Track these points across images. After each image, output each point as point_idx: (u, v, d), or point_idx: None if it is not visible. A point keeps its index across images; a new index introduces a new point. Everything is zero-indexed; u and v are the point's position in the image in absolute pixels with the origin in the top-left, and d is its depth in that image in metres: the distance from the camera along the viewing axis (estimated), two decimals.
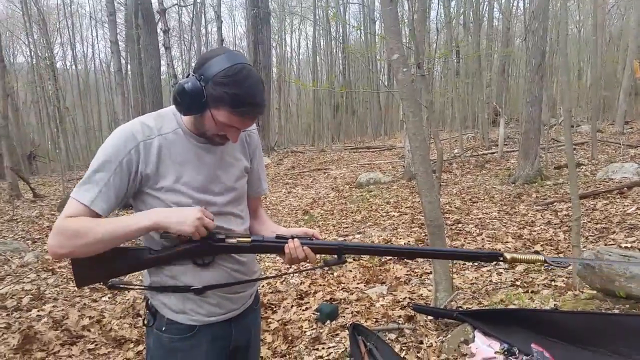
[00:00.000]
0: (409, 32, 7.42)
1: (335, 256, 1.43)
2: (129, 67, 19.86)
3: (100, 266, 1.35)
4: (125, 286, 1.49)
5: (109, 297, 4.92)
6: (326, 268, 4.72)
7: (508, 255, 1.34)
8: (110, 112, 25.85)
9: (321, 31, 26.38)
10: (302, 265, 1.47)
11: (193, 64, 1.42)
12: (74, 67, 27.46)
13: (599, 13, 15.31)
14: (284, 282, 4.88)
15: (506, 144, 13.20)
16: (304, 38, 36.79)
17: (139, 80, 15.67)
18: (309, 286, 4.66)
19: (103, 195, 1.29)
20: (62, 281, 5.54)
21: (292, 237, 1.40)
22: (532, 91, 8.57)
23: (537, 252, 4.96)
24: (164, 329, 1.43)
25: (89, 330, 3.97)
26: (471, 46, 16.58)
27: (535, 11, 8.60)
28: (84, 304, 4.73)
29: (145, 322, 1.48)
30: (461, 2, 16.51)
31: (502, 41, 20.28)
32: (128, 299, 4.75)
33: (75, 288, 5.19)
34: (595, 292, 3.29)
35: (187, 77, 1.30)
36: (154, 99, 14.86)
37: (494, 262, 4.76)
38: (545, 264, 1.26)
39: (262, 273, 5.15)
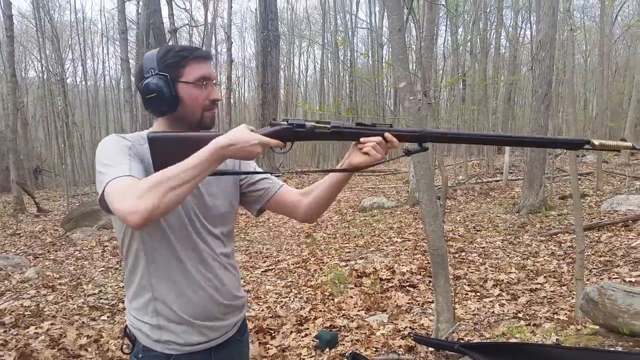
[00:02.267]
0: (416, 59, 7.48)
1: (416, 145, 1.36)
2: None
3: None
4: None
5: (107, 317, 4.89)
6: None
7: (596, 142, 1.25)
8: (118, 128, 26.06)
9: (329, 54, 26.66)
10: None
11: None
12: (84, 83, 27.82)
13: (605, 44, 15.41)
14: (284, 307, 4.85)
15: (511, 172, 13.19)
16: (312, 60, 37.16)
17: None
18: (309, 312, 4.62)
19: (134, 170, 1.24)
20: (61, 298, 5.52)
21: (374, 125, 1.34)
22: (537, 120, 8.58)
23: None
24: (140, 356, 1.42)
25: (86, 350, 3.94)
26: (478, 73, 16.70)
27: (542, 40, 8.66)
28: (83, 322, 4.70)
29: (123, 349, 1.47)
30: (468, 29, 16.68)
31: (508, 69, 20.44)
32: (127, 319, 4.72)
33: (75, 306, 5.18)
34: (598, 327, 3.24)
35: (139, 89, 1.38)
36: None
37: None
38: (634, 150, 1.22)
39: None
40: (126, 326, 1.48)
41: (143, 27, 13.45)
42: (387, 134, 1.32)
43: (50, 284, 6.01)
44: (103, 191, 1.19)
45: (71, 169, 19.86)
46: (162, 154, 1.28)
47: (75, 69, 31.93)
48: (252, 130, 1.25)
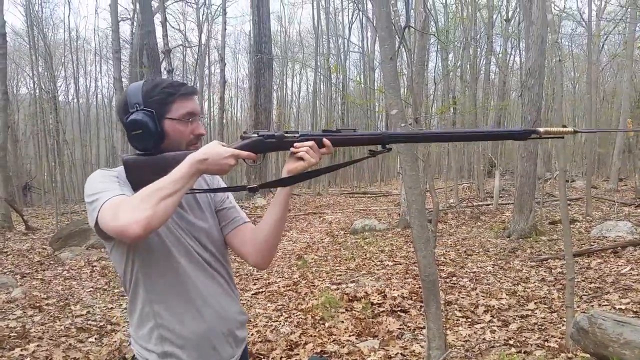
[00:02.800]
0: (407, 86, 7.58)
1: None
2: None
3: None
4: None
5: (95, 338, 4.82)
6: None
7: (541, 129, 1.36)
8: (109, 147, 25.98)
9: (321, 77, 26.93)
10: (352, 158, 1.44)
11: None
12: (75, 100, 27.78)
13: (592, 71, 15.71)
14: (274, 331, 4.81)
15: (501, 196, 13.29)
16: (304, 82, 37.40)
17: None
18: (300, 336, 4.58)
19: (125, 192, 1.29)
20: (48, 319, 5.44)
21: (339, 130, 1.43)
22: (527, 146, 8.69)
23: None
24: None
25: None
26: (468, 98, 16.94)
27: (531, 68, 8.82)
28: (70, 344, 4.63)
29: None
30: (459, 55, 16.96)
31: (498, 94, 20.75)
32: (115, 341, 4.66)
33: (62, 327, 5.11)
34: (588, 356, 3.26)
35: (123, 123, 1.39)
36: None
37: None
38: (575, 133, 1.37)
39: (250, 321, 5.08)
40: (133, 356, 1.48)
41: (137, 47, 13.58)
42: (324, 139, 1.39)
43: (37, 305, 5.92)
44: (97, 216, 1.22)
45: (61, 187, 19.72)
46: (138, 175, 1.32)
47: (67, 87, 31.93)
48: (224, 145, 1.30)
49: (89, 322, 5.36)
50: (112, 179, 1.33)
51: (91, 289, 6.84)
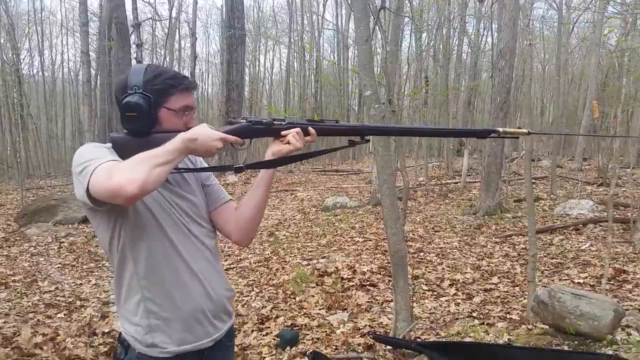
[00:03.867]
0: (381, 67, 7.61)
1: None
2: (98, 78, 19.58)
3: None
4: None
5: (64, 314, 4.80)
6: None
7: (500, 129, 1.52)
8: (75, 122, 25.32)
9: (295, 54, 26.67)
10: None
11: None
12: (40, 74, 26.90)
13: (562, 54, 16.00)
14: (245, 306, 4.87)
15: (469, 175, 13.55)
16: (277, 59, 36.98)
17: (107, 92, 15.46)
18: (271, 310, 4.66)
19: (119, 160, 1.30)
20: (15, 295, 5.38)
21: (322, 120, 1.53)
22: (495, 126, 8.84)
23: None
24: None
25: (41, 349, 3.86)
26: (440, 78, 17.06)
27: (502, 50, 8.94)
28: (38, 320, 4.60)
29: (118, 354, 1.49)
30: (432, 35, 17.02)
31: (469, 74, 20.96)
32: (85, 317, 4.65)
33: (29, 303, 5.06)
34: (547, 327, 3.42)
35: (119, 102, 1.40)
36: None
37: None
38: (529, 134, 1.56)
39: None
40: (120, 333, 1.50)
41: (105, 20, 13.19)
42: (309, 128, 1.48)
43: (3, 281, 5.83)
44: (90, 179, 1.21)
45: (25, 162, 19.19)
46: (125, 154, 1.33)
47: (32, 59, 30.82)
48: (212, 128, 1.34)
49: (58, 298, 5.32)
50: (105, 150, 1.34)
51: (59, 265, 6.76)
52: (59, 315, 4.77)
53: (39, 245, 7.88)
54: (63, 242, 8.06)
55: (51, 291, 5.57)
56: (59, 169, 21.90)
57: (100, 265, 6.80)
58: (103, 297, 5.33)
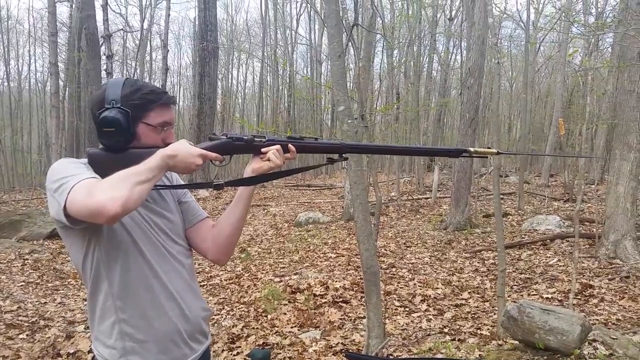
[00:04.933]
0: (354, 82, 7.68)
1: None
2: (66, 89, 19.20)
3: None
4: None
5: (27, 335, 4.63)
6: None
7: (471, 149, 1.57)
8: (42, 135, 24.70)
9: (268, 68, 26.73)
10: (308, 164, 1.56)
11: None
12: (6, 84, 26.21)
13: (529, 72, 16.47)
14: (216, 325, 4.79)
15: (439, 190, 13.73)
16: (250, 72, 36.97)
17: (75, 104, 15.18)
18: (242, 329, 4.59)
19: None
20: None
21: (302, 137, 1.52)
22: (464, 143, 9.02)
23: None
24: None
25: None
26: (411, 94, 17.33)
27: (471, 68, 9.13)
28: None
29: None
30: (403, 52, 17.31)
31: (439, 91, 21.36)
32: (49, 337, 4.49)
33: None
34: (517, 342, 3.46)
35: (95, 116, 1.37)
36: (90, 124, 14.41)
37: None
38: (498, 154, 1.64)
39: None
40: (93, 356, 1.45)
41: (75, 31, 12.97)
42: (289, 145, 1.48)
43: None
44: (67, 197, 1.17)
45: None
46: (102, 169, 1.31)
47: None
48: (192, 144, 1.33)
49: (20, 318, 5.13)
50: (81, 166, 1.30)
51: (22, 283, 6.53)
52: (21, 336, 4.59)
53: (1, 263, 7.61)
54: (27, 259, 7.80)
55: (13, 311, 5.37)
56: (24, 182, 21.29)
57: (66, 283, 6.60)
58: (69, 316, 5.16)
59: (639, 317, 4.35)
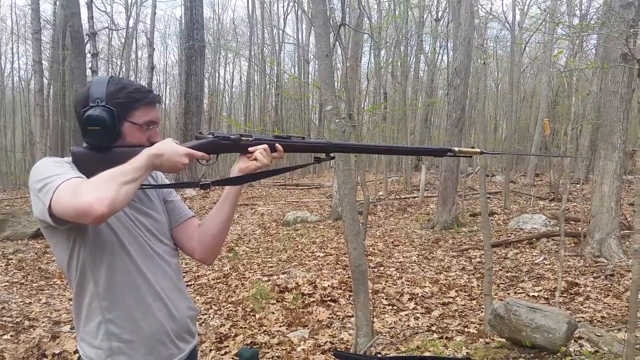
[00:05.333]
0: (341, 82, 7.69)
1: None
2: (51, 87, 18.96)
3: None
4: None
5: (11, 335, 4.57)
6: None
7: (456, 149, 1.58)
8: (26, 133, 24.37)
9: (256, 67, 26.64)
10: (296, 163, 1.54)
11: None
12: None
13: (514, 72, 16.62)
14: (203, 324, 4.77)
15: (427, 189, 13.80)
16: (237, 71, 36.80)
17: (60, 102, 15.00)
18: (230, 329, 4.58)
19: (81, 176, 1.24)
20: None
21: (289, 137, 1.50)
22: (451, 143, 9.08)
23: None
24: None
25: None
26: (398, 94, 17.39)
27: (457, 68, 9.19)
28: None
29: None
30: (390, 52, 17.36)
31: (426, 91, 21.47)
32: (34, 338, 4.44)
33: None
34: (504, 340, 3.49)
35: (80, 115, 1.35)
36: (75, 122, 14.24)
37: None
38: (482, 154, 1.63)
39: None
40: (79, 357, 1.43)
41: (59, 29, 12.81)
42: (276, 144, 1.47)
43: None
44: (52, 197, 1.15)
45: None
46: (86, 168, 1.29)
47: None
48: (178, 143, 1.32)
49: (4, 318, 5.06)
50: (66, 165, 1.28)
51: (6, 283, 6.44)
52: (5, 337, 4.53)
53: None
54: (11, 259, 7.69)
55: None
56: (8, 182, 21.01)
57: (52, 283, 6.52)
58: (54, 317, 5.10)
59: (623, 314, 4.41)
